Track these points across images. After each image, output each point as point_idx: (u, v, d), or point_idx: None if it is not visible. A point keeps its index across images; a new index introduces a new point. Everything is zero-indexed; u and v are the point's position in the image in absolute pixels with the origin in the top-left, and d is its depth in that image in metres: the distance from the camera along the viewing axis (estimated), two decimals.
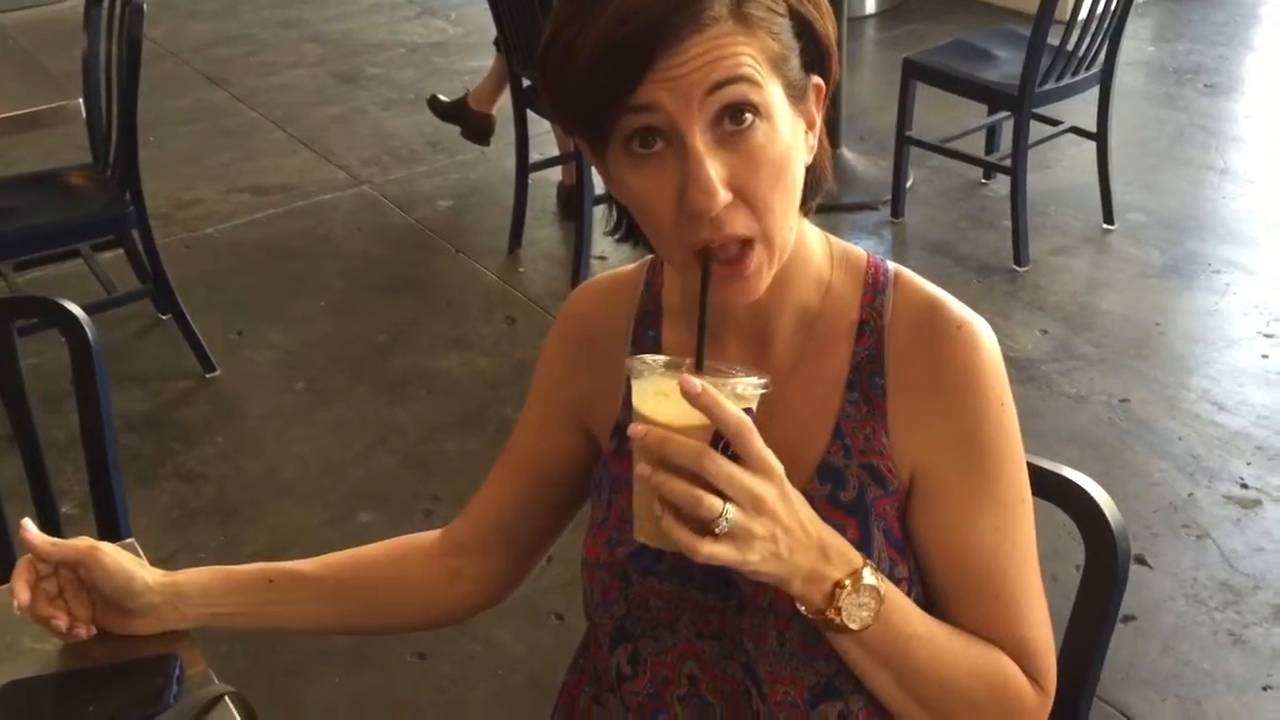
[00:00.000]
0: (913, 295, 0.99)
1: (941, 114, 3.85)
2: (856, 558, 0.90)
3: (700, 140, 0.84)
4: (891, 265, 1.01)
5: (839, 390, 0.97)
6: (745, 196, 0.86)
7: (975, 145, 3.76)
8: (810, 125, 0.92)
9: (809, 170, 0.93)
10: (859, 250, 1.02)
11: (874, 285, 0.99)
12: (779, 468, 0.85)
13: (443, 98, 4.07)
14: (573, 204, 3.68)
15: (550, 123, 3.79)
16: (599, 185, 3.33)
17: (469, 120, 4.00)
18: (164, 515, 2.54)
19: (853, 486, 0.96)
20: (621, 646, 1.05)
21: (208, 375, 3.07)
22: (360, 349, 3.22)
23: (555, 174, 3.90)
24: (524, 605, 2.26)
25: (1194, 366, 2.99)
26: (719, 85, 0.83)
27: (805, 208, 0.95)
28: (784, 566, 0.86)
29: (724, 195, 0.84)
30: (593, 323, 1.09)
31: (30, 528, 1.10)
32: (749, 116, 0.84)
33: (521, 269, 3.61)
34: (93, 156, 3.03)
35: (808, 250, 0.98)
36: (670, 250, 0.91)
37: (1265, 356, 3.00)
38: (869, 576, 0.89)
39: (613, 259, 3.56)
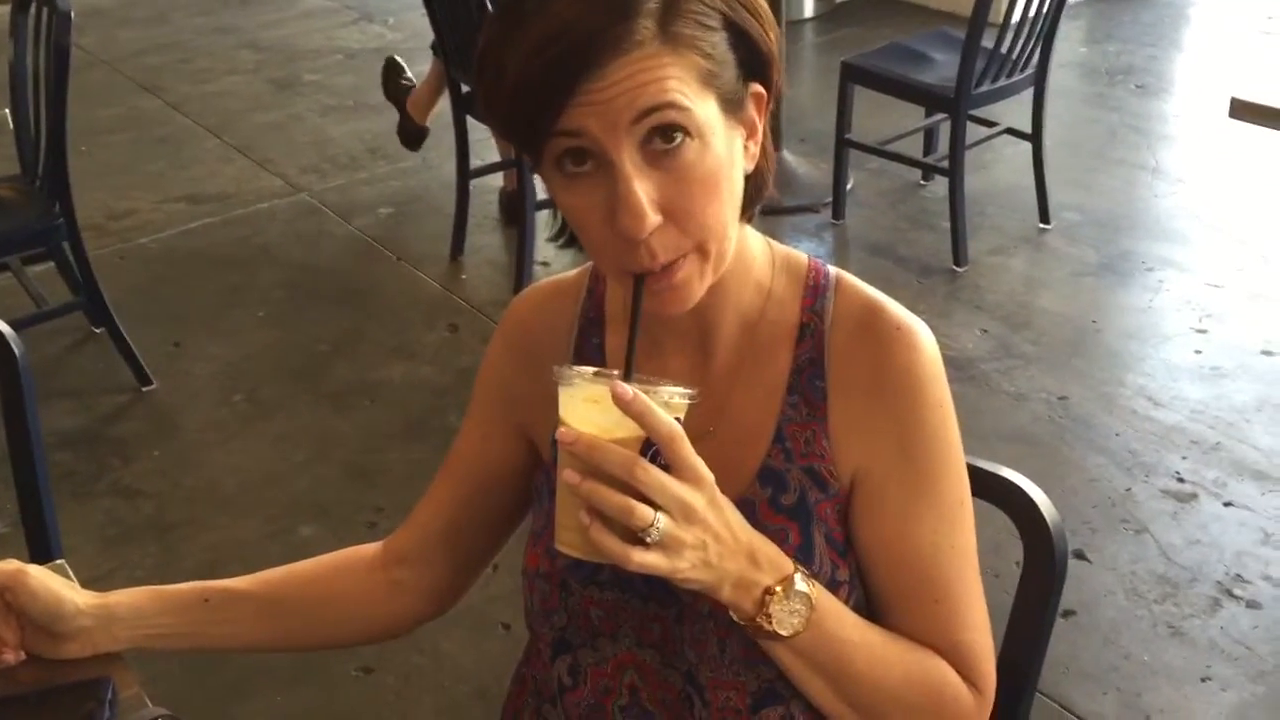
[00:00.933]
0: (853, 298, 0.99)
1: (880, 117, 3.88)
2: (787, 564, 0.90)
3: (629, 162, 0.83)
4: (833, 269, 1.01)
5: (779, 394, 0.97)
6: (676, 215, 0.85)
7: (913, 147, 3.80)
8: (751, 132, 0.91)
9: (750, 177, 0.92)
10: (800, 255, 1.02)
11: (815, 289, 0.99)
12: (709, 476, 0.85)
13: (404, 78, 4.01)
14: (514, 210, 3.67)
15: (490, 129, 3.78)
16: (541, 191, 3.35)
17: (404, 123, 3.97)
18: (99, 532, 2.49)
19: (794, 490, 0.96)
20: (561, 657, 1.04)
21: (144, 389, 3.01)
22: (301, 359, 3.18)
23: (496, 180, 3.88)
24: (470, 615, 2.25)
25: (1129, 363, 3.04)
26: (645, 112, 0.82)
27: (747, 215, 0.95)
28: (713, 574, 0.86)
29: (653, 218, 0.84)
30: (534, 330, 1.08)
31: None
32: (679, 136, 0.84)
33: (464, 276, 3.59)
34: (20, 167, 2.97)
35: (749, 256, 0.98)
36: (605, 264, 0.91)
37: (1198, 352, 3.06)
38: (800, 583, 0.89)
39: (556, 265, 3.55)
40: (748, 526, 0.89)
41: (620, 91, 0.81)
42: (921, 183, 3.93)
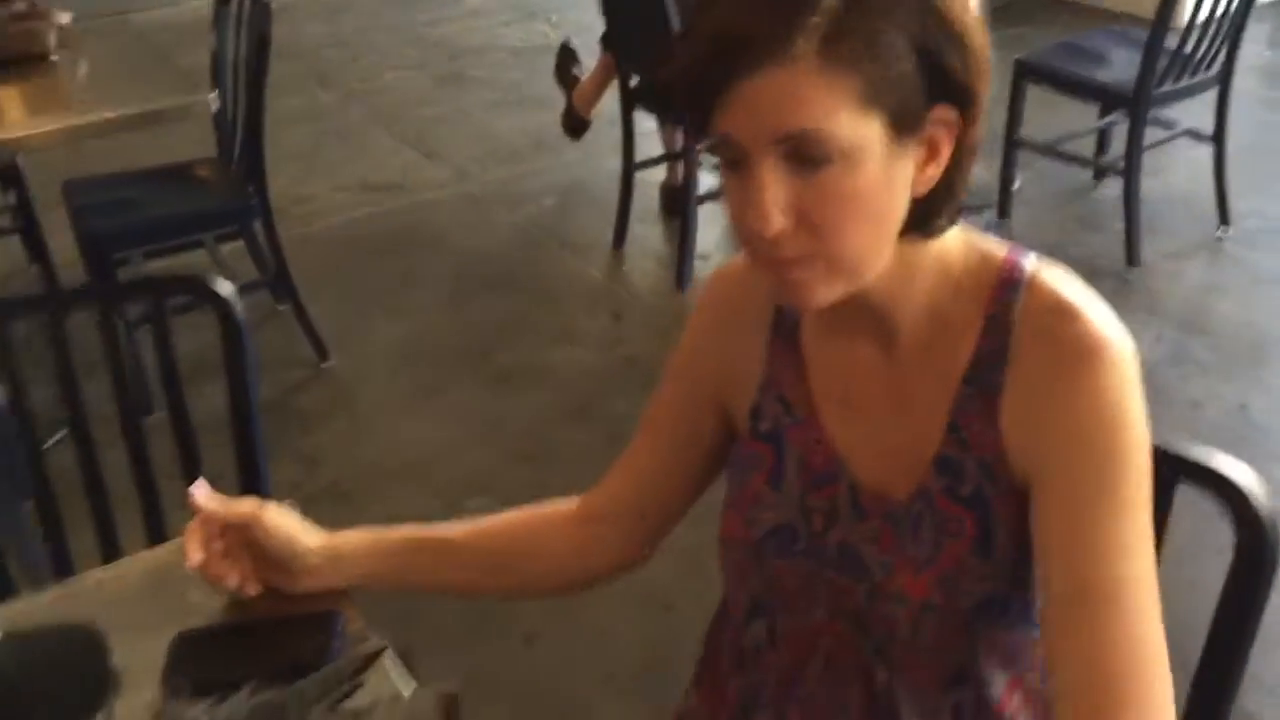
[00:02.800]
0: (1046, 297, 0.95)
1: (1047, 117, 3.80)
2: None
3: (766, 170, 0.84)
4: (1033, 263, 0.98)
5: (957, 384, 0.97)
6: (810, 225, 0.85)
7: (1083, 148, 3.71)
8: (932, 155, 0.89)
9: (924, 199, 0.90)
10: (1000, 248, 0.99)
11: (1007, 282, 0.97)
12: None
13: (576, 67, 4.08)
14: (676, 203, 3.71)
15: (657, 123, 3.83)
16: (704, 185, 3.38)
17: (569, 113, 4.05)
18: (282, 497, 2.60)
19: (970, 481, 0.96)
20: (758, 620, 1.07)
21: (323, 364, 3.16)
22: (469, 342, 3.28)
23: (657, 174, 3.93)
24: (633, 595, 2.29)
25: None
26: (785, 134, 0.82)
27: (921, 233, 0.93)
28: None
29: (778, 223, 0.84)
30: (734, 304, 1.10)
31: (200, 492, 1.15)
32: (821, 158, 0.83)
33: (625, 267, 3.65)
34: (218, 150, 3.13)
35: (938, 248, 0.97)
36: (742, 247, 0.92)
37: None
38: None
39: (715, 258, 3.58)
40: None
41: (766, 105, 0.82)
42: (1092, 184, 3.84)
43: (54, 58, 2.83)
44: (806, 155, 0.83)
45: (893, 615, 0.98)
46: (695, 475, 1.15)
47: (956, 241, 0.98)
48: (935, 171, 0.89)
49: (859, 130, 0.83)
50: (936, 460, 0.97)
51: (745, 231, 0.88)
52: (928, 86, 0.85)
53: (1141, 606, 0.88)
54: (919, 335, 0.98)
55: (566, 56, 4.14)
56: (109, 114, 2.60)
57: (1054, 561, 0.90)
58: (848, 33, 0.81)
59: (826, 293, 0.89)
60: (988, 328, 0.96)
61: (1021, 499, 0.95)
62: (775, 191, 0.84)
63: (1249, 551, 1.05)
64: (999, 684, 0.99)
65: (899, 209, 0.89)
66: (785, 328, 1.06)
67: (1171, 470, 1.09)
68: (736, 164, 0.86)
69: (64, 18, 2.88)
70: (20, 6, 2.79)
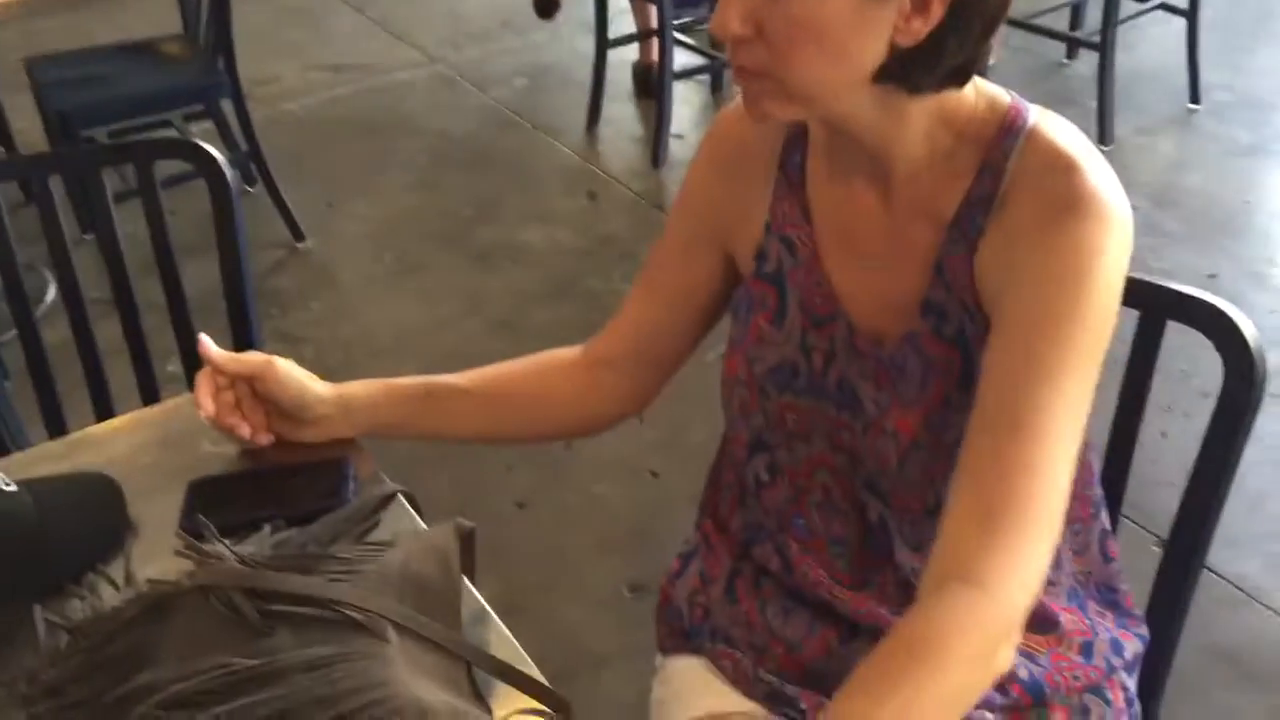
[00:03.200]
0: (1046, 148, 0.95)
1: None
2: None
3: None
4: (1036, 113, 0.98)
5: (944, 227, 0.98)
6: (765, 38, 0.88)
7: (1056, 24, 3.70)
8: (921, 8, 0.87)
9: (913, 50, 0.89)
10: (1005, 95, 0.99)
11: (1007, 129, 0.97)
12: None
13: None
14: (649, 82, 3.67)
15: (630, 1, 3.76)
16: (678, 63, 3.35)
17: None
18: None
19: (954, 321, 0.98)
20: (759, 455, 1.10)
21: (299, 245, 3.14)
22: (445, 222, 3.27)
23: (629, 53, 3.88)
24: (620, 462, 2.34)
25: None
26: None
27: (904, 87, 0.93)
28: None
29: (734, 26, 0.87)
30: (741, 143, 1.11)
31: (208, 343, 1.15)
32: None
33: (600, 146, 3.62)
34: (182, 25, 3.06)
35: (939, 96, 0.96)
36: None
37: None
38: None
39: (691, 138, 3.57)
40: None
41: None
42: (1065, 61, 3.83)
43: None
44: None
45: (884, 450, 1.01)
46: (697, 319, 1.17)
47: (965, 88, 0.98)
48: (921, 26, 0.88)
49: None
50: (923, 303, 0.99)
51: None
52: None
53: (1053, 438, 0.86)
54: (915, 180, 0.99)
55: None
56: None
57: (985, 389, 0.90)
58: None
59: (778, 110, 0.92)
60: (981, 173, 0.96)
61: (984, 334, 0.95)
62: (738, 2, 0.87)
63: (1236, 378, 1.09)
64: None
65: (867, 52, 0.89)
66: (790, 169, 1.07)
67: (1160, 307, 1.12)
68: None
69: None
70: None
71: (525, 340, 2.77)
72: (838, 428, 1.04)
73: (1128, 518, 1.29)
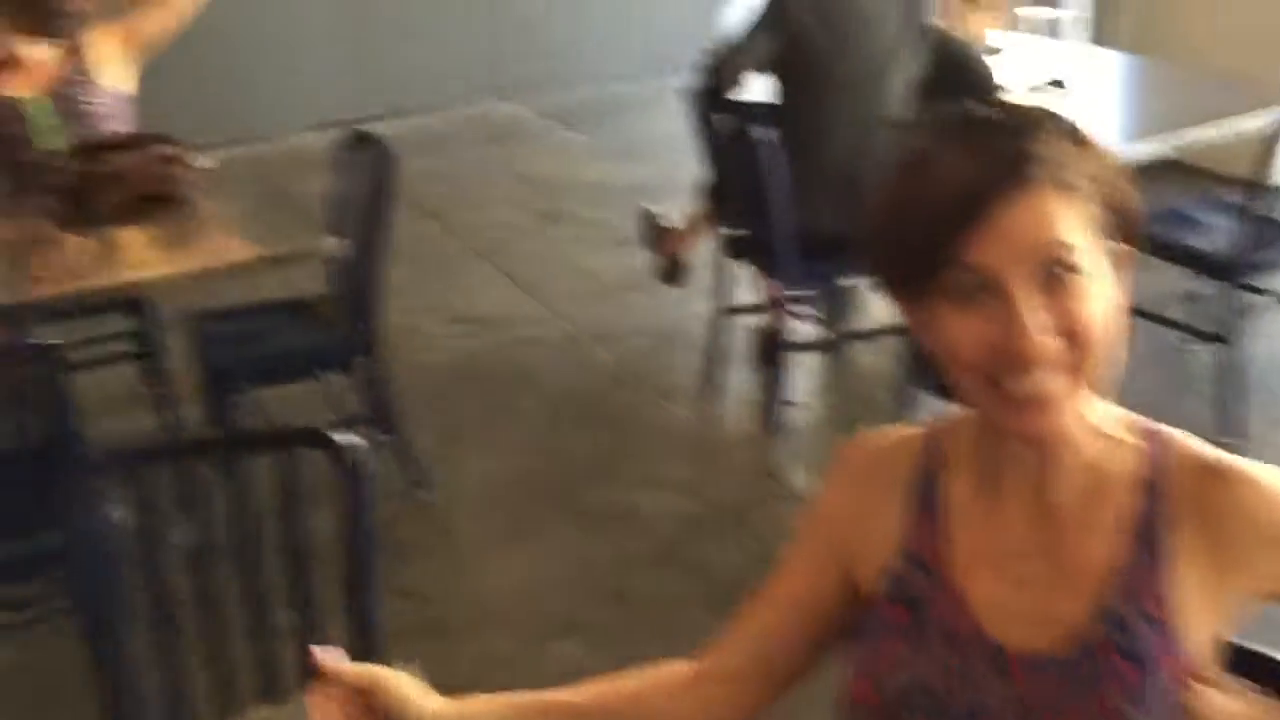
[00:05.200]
0: (1190, 452, 1.04)
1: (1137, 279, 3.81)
2: None
3: (1021, 289, 0.94)
4: (1154, 423, 1.07)
5: (1121, 538, 1.02)
6: (1065, 333, 0.95)
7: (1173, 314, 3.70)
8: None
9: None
10: (1126, 411, 1.07)
11: (1152, 437, 1.05)
12: None
13: (663, 220, 4.14)
14: (768, 350, 3.77)
15: (754, 271, 3.90)
16: (800, 333, 3.43)
17: (661, 265, 4.14)
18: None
19: (1135, 634, 1.00)
20: None
21: (418, 493, 3.24)
22: (558, 480, 3.34)
23: (749, 320, 3.99)
24: None
25: None
26: (1047, 247, 0.93)
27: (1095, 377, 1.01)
28: None
29: (1044, 337, 0.93)
30: (873, 470, 1.15)
31: (323, 653, 1.18)
32: (1072, 272, 0.94)
33: (715, 411, 3.70)
34: (328, 286, 3.26)
35: (1090, 402, 1.03)
36: (974, 384, 0.99)
37: None
38: None
39: (806, 405, 3.63)
40: None
41: (1020, 227, 0.93)
42: (1181, 349, 3.82)
43: (188, 201, 2.97)
44: (1064, 266, 0.93)
45: None
46: (817, 638, 1.18)
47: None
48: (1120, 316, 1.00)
49: (1093, 255, 0.96)
50: (1100, 614, 1.01)
51: (980, 357, 0.96)
52: (1118, 226, 0.99)
53: None
54: (1075, 486, 1.04)
55: (650, 220, 4.19)
56: (233, 259, 2.72)
57: None
58: (1063, 164, 0.95)
59: (1070, 408, 0.98)
60: (1145, 484, 1.02)
61: (1188, 660, 0.99)
62: (1035, 308, 0.94)
63: None
64: None
65: (1115, 342, 0.98)
66: (925, 492, 1.11)
67: None
68: (971, 296, 0.95)
69: (206, 162, 3.04)
70: (167, 150, 2.94)
71: (635, 609, 2.77)
72: None
73: None
